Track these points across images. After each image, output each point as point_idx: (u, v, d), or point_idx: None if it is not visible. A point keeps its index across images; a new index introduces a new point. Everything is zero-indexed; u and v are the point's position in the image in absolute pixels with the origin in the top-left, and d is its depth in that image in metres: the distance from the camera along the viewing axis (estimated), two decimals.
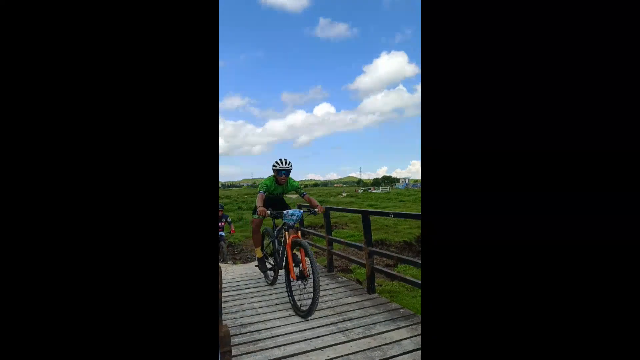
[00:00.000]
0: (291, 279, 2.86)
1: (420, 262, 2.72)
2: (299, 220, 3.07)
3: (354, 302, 2.99)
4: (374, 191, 52.14)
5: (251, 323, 2.60)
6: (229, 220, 7.35)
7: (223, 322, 2.46)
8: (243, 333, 2.42)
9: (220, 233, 6.30)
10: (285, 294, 3.28)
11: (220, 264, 5.94)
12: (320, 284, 3.62)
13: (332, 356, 2.05)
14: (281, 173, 3.23)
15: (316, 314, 2.71)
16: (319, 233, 4.93)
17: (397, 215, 3.12)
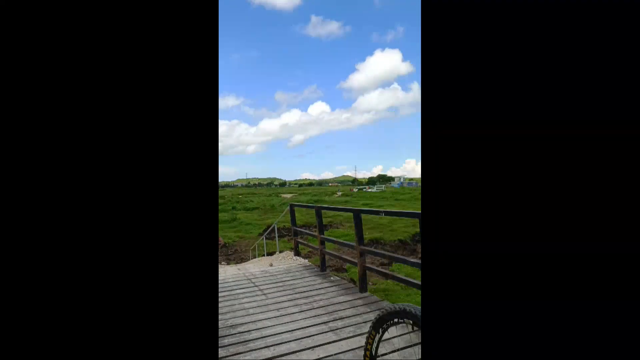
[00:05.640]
0: None
1: (412, 260, 2.72)
2: None
3: (345, 301, 2.98)
4: (369, 190, 52.18)
5: (242, 324, 2.58)
6: None
7: None
8: (233, 334, 2.40)
9: None
10: (277, 295, 3.27)
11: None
12: (313, 283, 3.66)
13: (322, 355, 2.05)
14: None
15: (307, 314, 2.71)
16: (312, 233, 4.92)
17: (388, 213, 3.12)
